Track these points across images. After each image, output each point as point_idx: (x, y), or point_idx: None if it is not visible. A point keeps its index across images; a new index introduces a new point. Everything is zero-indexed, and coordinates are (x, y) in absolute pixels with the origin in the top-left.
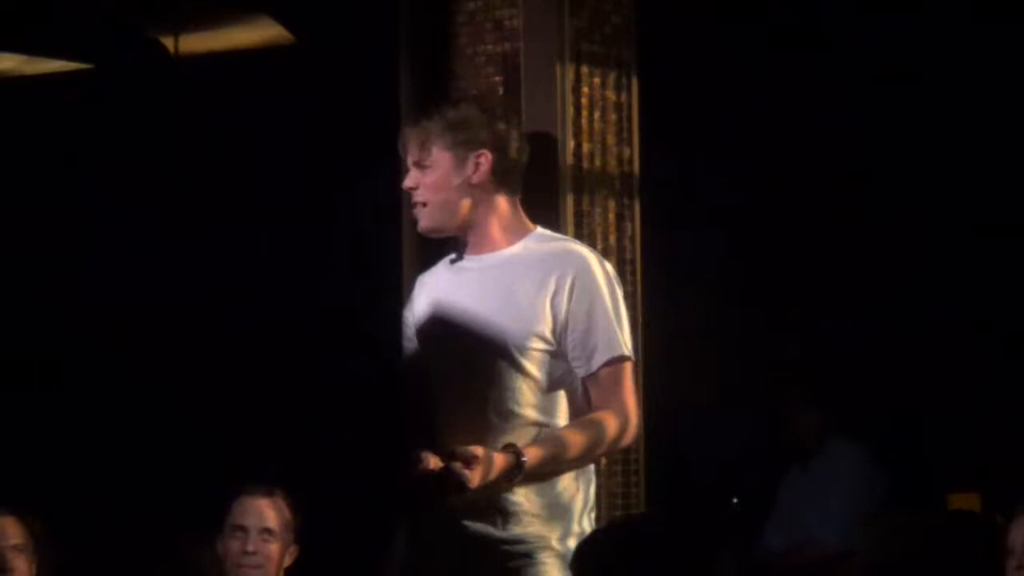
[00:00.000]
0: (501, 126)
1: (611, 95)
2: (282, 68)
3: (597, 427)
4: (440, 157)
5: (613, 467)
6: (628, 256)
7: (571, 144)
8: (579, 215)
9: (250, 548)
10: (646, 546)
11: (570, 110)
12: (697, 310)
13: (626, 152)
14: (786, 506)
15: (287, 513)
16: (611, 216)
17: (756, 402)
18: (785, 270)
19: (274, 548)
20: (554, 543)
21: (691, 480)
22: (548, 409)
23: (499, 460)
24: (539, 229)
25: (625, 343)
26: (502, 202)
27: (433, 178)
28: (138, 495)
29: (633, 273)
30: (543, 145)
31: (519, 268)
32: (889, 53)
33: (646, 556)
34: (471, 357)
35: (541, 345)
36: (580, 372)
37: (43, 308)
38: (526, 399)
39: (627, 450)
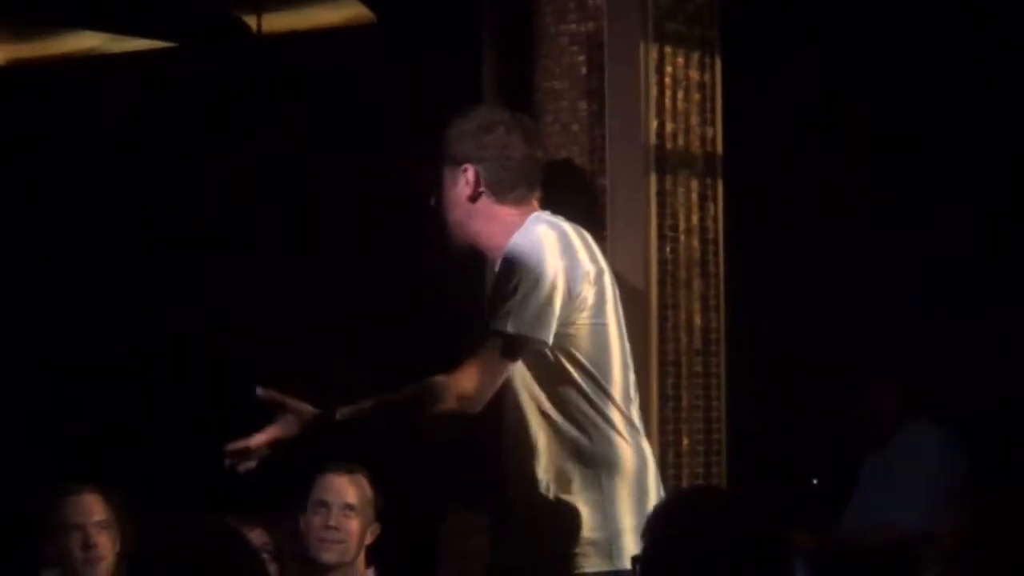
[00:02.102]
0: (488, 137)
1: (694, 74)
2: (364, 47)
3: (431, 384)
4: (445, 172)
5: (695, 447)
6: (711, 236)
7: (654, 124)
8: (662, 195)
9: (332, 523)
10: (718, 516)
11: (653, 90)
12: (779, 290)
13: (709, 132)
14: (867, 487)
15: (368, 491)
16: (694, 196)
17: (837, 382)
18: (869, 250)
19: (355, 524)
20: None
21: (772, 461)
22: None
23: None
24: (530, 217)
25: (508, 320)
26: (502, 212)
27: (444, 193)
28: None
29: (716, 254)
30: (626, 125)
31: None
32: (985, 34)
33: (717, 526)
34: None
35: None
36: None
37: (124, 290)
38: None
39: (709, 431)
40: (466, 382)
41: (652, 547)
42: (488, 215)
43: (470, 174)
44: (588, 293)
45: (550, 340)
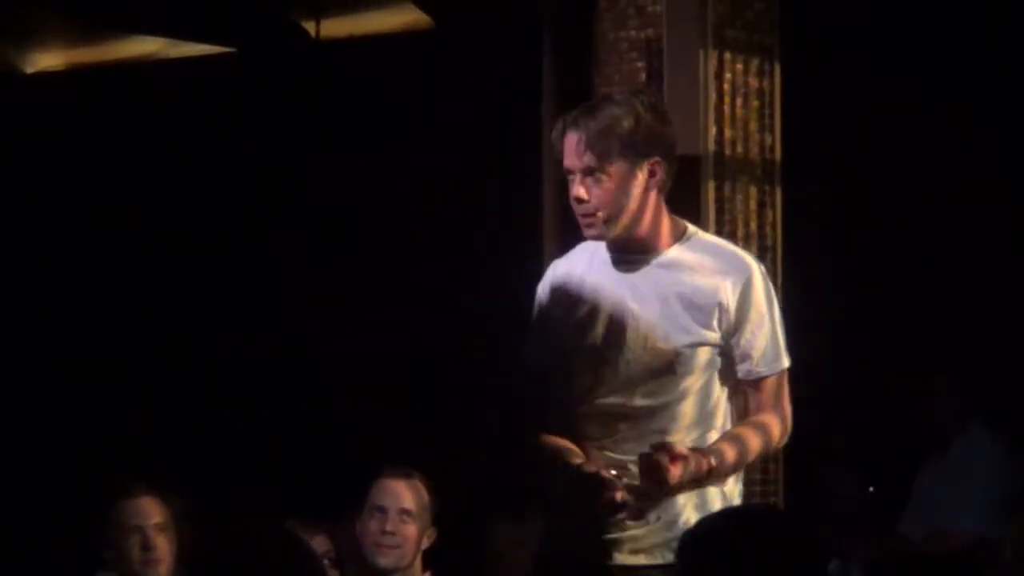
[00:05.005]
0: (669, 129)
1: (754, 81)
2: (423, 53)
3: (766, 431)
4: (616, 167)
5: None
6: (769, 243)
7: (713, 130)
8: (720, 201)
9: (388, 528)
10: (751, 537)
11: (712, 96)
12: (837, 298)
13: (768, 139)
14: (925, 494)
15: (425, 495)
16: (752, 203)
17: (896, 390)
18: (928, 257)
19: (412, 529)
20: None
21: (828, 467)
22: (706, 414)
23: (695, 462)
24: (691, 227)
25: (786, 353)
26: (662, 206)
27: (609, 188)
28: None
29: (774, 261)
30: (685, 131)
31: (685, 271)
32: None
33: (751, 546)
34: (633, 358)
35: (706, 351)
36: (742, 375)
37: (180, 290)
38: (686, 403)
39: None
40: (786, 423)
41: (685, 568)
42: (658, 208)
43: (658, 167)
44: None
45: None
